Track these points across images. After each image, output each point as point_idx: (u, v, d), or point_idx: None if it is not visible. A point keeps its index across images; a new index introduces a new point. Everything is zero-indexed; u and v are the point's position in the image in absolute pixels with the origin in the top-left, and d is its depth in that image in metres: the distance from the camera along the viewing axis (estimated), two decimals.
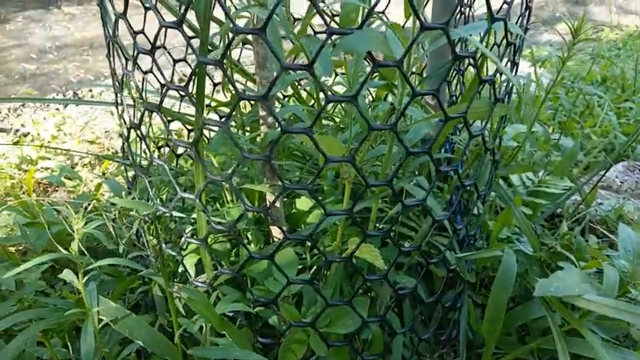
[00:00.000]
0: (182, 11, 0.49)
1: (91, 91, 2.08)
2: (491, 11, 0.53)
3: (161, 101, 0.57)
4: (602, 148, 1.38)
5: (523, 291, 0.83)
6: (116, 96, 0.65)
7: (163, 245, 0.63)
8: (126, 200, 0.54)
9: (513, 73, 0.63)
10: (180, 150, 0.88)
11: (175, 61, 0.82)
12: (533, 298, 0.76)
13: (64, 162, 1.49)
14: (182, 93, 0.52)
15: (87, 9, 4.17)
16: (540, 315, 0.72)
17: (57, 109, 1.86)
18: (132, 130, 0.69)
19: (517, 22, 0.67)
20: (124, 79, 0.61)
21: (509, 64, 0.63)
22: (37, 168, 1.39)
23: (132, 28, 0.58)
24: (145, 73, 0.64)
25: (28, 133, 1.63)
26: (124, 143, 0.68)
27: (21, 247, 1.21)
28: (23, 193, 1.34)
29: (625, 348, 0.64)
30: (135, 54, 0.54)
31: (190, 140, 0.64)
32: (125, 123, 0.67)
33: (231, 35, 0.48)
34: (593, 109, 1.67)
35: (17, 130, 1.69)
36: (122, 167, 1.33)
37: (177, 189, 0.59)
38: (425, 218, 0.82)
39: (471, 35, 0.50)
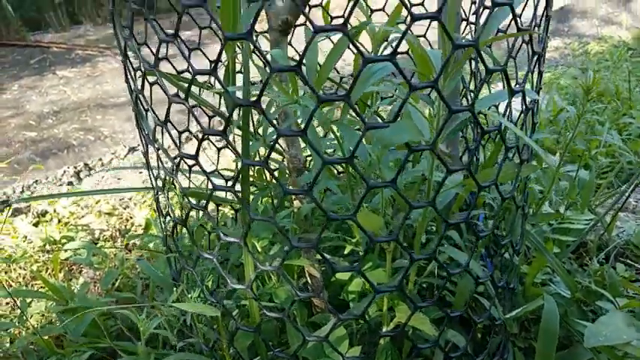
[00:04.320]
0: (227, 119, 0.52)
1: (101, 160, 2.11)
2: (511, 86, 0.56)
3: (208, 200, 0.59)
4: (611, 168, 1.41)
5: (564, 332, 0.84)
6: (156, 194, 0.68)
7: (214, 333, 0.65)
8: (192, 304, 0.56)
9: (535, 86, 0.66)
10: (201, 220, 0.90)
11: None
12: (577, 340, 0.77)
13: (86, 237, 1.51)
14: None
15: (80, 71, 4.26)
16: (588, 358, 0.73)
17: (70, 183, 1.89)
18: (164, 205, 0.71)
19: (532, 25, 0.69)
20: (166, 177, 0.64)
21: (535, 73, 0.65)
22: (62, 248, 1.40)
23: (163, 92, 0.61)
24: (181, 158, 0.67)
25: (46, 212, 1.65)
26: (165, 235, 0.70)
27: (55, 333, 1.21)
28: (50, 275, 1.35)
29: None
30: (177, 164, 0.57)
31: (232, 228, 0.66)
32: (171, 215, 0.69)
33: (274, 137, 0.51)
34: (594, 127, 1.70)
35: (34, 210, 1.72)
36: (144, 240, 1.35)
37: (229, 281, 0.61)
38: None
39: (497, 106, 0.53)
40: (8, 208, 1.66)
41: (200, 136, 0.54)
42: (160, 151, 0.64)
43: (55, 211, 1.67)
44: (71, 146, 2.74)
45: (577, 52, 3.09)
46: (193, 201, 0.60)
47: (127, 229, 1.57)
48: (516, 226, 0.69)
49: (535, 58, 0.63)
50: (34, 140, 2.88)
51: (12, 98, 3.75)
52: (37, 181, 1.94)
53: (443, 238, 0.59)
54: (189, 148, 2.20)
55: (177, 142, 0.61)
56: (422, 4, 0.97)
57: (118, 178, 1.94)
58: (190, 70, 0.57)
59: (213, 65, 0.48)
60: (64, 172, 1.97)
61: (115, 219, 1.61)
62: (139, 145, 2.41)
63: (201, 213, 0.81)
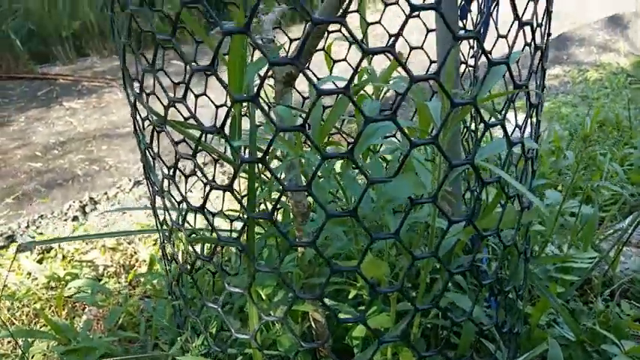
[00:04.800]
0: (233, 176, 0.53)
1: (106, 193, 2.13)
2: (510, 138, 0.57)
3: (213, 252, 0.60)
4: (613, 201, 1.42)
5: None
6: (162, 242, 0.69)
7: None
8: (196, 358, 0.57)
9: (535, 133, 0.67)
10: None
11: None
12: None
13: (90, 273, 1.52)
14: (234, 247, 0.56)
15: (87, 102, 4.32)
16: None
17: (75, 218, 1.91)
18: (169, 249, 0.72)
19: (529, 77, 0.70)
20: (172, 226, 0.65)
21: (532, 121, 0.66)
22: (66, 286, 1.41)
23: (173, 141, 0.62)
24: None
25: (51, 248, 1.66)
26: (171, 282, 0.71)
27: None
28: (53, 312, 1.35)
29: None
30: (184, 216, 0.59)
31: (236, 264, 0.67)
32: (177, 262, 0.70)
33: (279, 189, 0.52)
34: (596, 159, 1.72)
35: (39, 246, 1.72)
36: (148, 278, 1.35)
37: (233, 330, 0.61)
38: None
39: (493, 157, 0.54)
40: (14, 244, 1.67)
41: (207, 188, 0.56)
42: (167, 200, 0.65)
43: (59, 246, 1.68)
44: (76, 176, 2.76)
45: (577, 79, 3.13)
46: (198, 248, 0.61)
47: (132, 264, 1.57)
48: (519, 270, 0.69)
49: (532, 109, 0.65)
50: (39, 171, 2.90)
51: (19, 130, 3.79)
52: (42, 215, 1.95)
53: (446, 284, 0.59)
54: (195, 184, 2.21)
55: (184, 190, 0.63)
56: (421, 47, 0.99)
57: (123, 212, 1.95)
58: (197, 123, 0.59)
59: (220, 125, 0.50)
60: (70, 206, 1.99)
61: (120, 254, 1.62)
62: (143, 178, 2.43)
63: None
